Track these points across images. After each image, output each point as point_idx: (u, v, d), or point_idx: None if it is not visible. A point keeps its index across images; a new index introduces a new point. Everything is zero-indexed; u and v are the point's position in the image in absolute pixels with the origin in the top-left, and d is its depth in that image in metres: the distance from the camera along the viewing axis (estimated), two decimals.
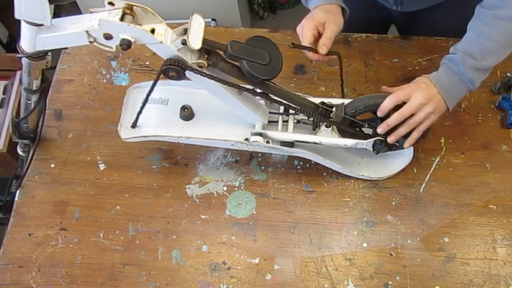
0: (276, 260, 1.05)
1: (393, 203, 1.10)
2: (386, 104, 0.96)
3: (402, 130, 0.98)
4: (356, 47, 1.30)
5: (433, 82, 0.96)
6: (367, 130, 1.06)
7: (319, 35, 0.99)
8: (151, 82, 0.93)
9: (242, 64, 0.89)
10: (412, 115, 0.96)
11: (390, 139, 1.00)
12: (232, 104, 0.99)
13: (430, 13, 1.22)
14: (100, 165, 1.16)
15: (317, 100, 1.03)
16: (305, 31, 0.98)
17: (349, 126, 1.02)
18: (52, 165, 1.16)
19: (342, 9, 1.04)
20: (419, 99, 0.93)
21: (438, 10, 1.21)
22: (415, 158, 1.12)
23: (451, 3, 1.19)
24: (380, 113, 0.97)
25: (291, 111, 1.00)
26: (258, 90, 0.96)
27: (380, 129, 0.98)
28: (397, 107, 0.96)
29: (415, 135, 0.99)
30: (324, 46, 0.97)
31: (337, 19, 1.00)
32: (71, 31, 0.83)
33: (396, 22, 1.43)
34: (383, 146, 1.02)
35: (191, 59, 0.88)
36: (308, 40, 0.97)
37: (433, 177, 1.13)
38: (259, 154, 1.16)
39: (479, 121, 1.19)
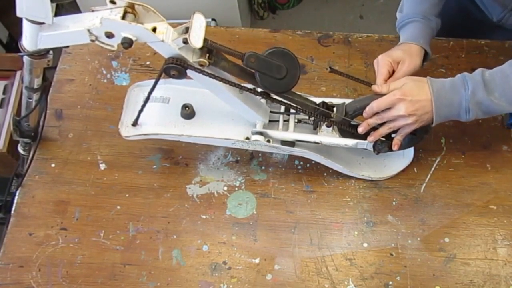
0: (276, 260, 1.05)
1: (394, 203, 1.10)
2: (369, 110, 0.96)
3: (381, 130, 0.98)
4: (357, 47, 1.30)
5: (433, 91, 0.92)
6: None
7: (393, 72, 1.02)
8: (152, 81, 0.93)
9: (256, 76, 0.90)
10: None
11: (370, 138, 1.00)
12: (233, 103, 0.99)
13: None
14: (101, 165, 1.16)
15: (318, 100, 1.03)
16: (380, 68, 1.02)
17: (349, 126, 1.02)
18: (53, 165, 1.16)
19: (425, 51, 1.05)
20: (399, 111, 0.92)
21: None
22: (416, 158, 1.12)
23: None
24: (365, 115, 0.98)
25: (292, 110, 1.00)
26: (259, 90, 0.96)
27: (361, 128, 0.99)
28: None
29: (398, 138, 0.99)
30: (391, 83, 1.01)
31: (413, 61, 1.02)
32: (72, 30, 0.83)
33: (492, 35, 1.32)
34: (383, 146, 1.03)
35: (192, 58, 0.88)
36: (383, 76, 1.01)
37: (433, 177, 1.13)
38: (260, 154, 1.16)
39: (480, 121, 1.19)
